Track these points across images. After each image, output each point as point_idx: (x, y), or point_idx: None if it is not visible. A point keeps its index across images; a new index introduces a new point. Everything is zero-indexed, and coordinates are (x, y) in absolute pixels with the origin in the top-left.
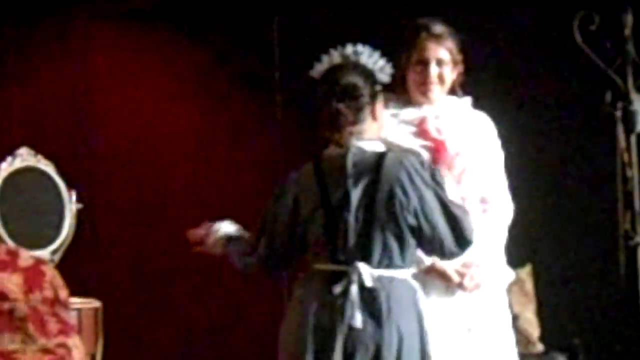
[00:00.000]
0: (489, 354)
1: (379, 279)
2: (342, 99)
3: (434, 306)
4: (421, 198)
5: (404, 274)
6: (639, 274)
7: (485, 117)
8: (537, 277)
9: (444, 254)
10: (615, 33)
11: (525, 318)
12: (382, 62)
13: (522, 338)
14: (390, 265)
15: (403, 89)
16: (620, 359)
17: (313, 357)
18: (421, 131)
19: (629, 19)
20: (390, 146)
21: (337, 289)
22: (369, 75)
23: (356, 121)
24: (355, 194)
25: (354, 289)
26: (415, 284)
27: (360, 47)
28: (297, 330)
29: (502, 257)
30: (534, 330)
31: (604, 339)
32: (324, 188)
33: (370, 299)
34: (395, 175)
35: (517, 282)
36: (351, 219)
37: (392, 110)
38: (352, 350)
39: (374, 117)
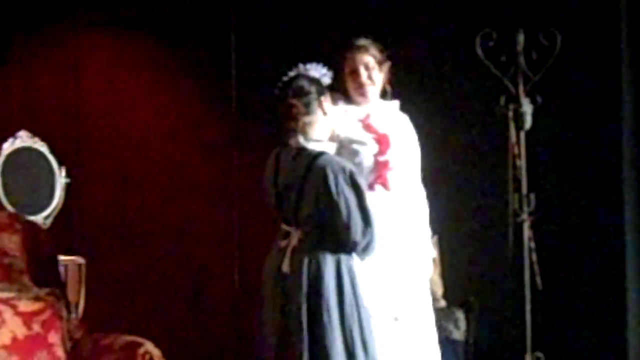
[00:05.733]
0: (414, 341)
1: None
2: (294, 96)
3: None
4: (338, 194)
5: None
6: (524, 244)
7: (407, 120)
8: (441, 245)
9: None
10: (510, 48)
11: (431, 279)
12: (324, 70)
13: None
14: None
15: (345, 92)
16: (506, 313)
17: (270, 290)
18: (366, 125)
19: (521, 37)
20: (342, 142)
21: (282, 243)
22: (314, 80)
23: (307, 112)
24: (294, 185)
25: (283, 243)
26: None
27: (308, 64)
28: (265, 270)
29: (428, 243)
30: (438, 289)
31: (494, 297)
32: (276, 174)
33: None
34: (322, 175)
35: None
36: (290, 200)
37: (342, 107)
38: (285, 289)
39: (323, 111)
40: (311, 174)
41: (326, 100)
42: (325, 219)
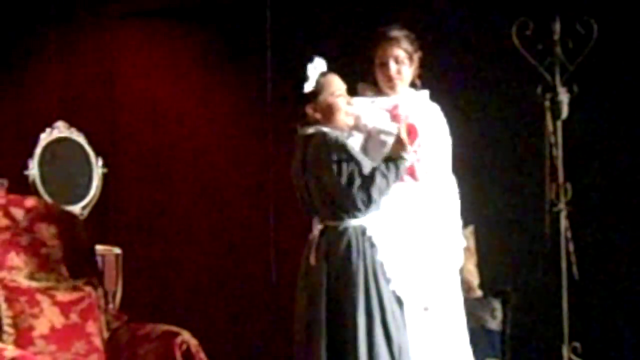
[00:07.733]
0: (444, 331)
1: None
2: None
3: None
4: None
5: (345, 223)
6: (561, 234)
7: (438, 109)
8: (478, 235)
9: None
10: (546, 38)
11: (467, 269)
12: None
13: (464, 286)
14: (332, 218)
15: (375, 82)
16: (543, 303)
17: (302, 282)
18: (394, 116)
19: (558, 26)
20: (370, 132)
21: (310, 236)
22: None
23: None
24: (299, 169)
25: (311, 236)
26: (354, 231)
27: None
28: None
29: (458, 233)
30: (474, 279)
31: (531, 287)
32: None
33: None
34: (315, 154)
35: None
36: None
37: (370, 98)
38: (311, 281)
39: (320, 120)
40: (307, 151)
41: (318, 111)
42: (326, 188)
